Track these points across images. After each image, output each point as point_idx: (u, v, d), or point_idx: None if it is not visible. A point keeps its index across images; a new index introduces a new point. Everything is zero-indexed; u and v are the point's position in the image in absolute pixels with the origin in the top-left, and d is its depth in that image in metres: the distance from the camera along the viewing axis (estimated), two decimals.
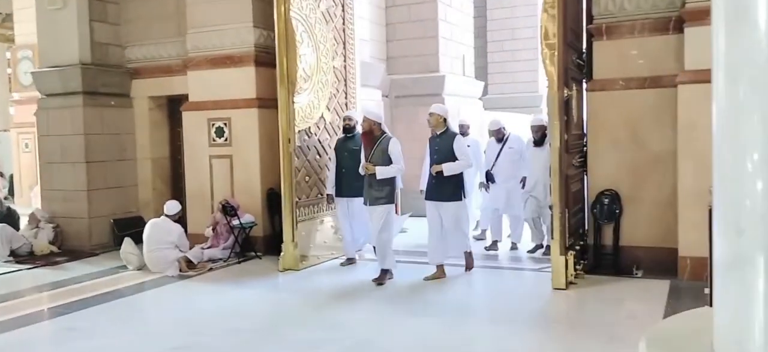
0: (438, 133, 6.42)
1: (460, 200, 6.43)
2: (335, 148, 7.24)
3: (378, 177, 6.30)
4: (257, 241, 7.90)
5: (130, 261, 7.42)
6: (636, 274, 6.37)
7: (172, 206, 7.35)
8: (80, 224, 8.64)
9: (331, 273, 6.99)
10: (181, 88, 8.70)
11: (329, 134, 7.74)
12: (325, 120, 7.65)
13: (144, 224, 8.91)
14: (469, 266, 6.76)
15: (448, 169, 6.26)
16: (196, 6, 8.19)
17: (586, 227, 6.84)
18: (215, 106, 8.17)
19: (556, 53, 5.73)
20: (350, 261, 7.24)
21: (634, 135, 6.56)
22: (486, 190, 8.08)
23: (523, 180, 7.67)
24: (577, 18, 6.61)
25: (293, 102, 6.97)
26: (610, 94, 6.64)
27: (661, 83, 6.40)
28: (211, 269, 7.25)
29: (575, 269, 6.11)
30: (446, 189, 6.35)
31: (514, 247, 7.93)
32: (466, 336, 4.85)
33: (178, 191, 9.39)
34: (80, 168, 8.59)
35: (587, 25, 6.81)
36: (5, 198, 10.48)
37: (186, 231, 7.55)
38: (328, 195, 7.34)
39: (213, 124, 8.19)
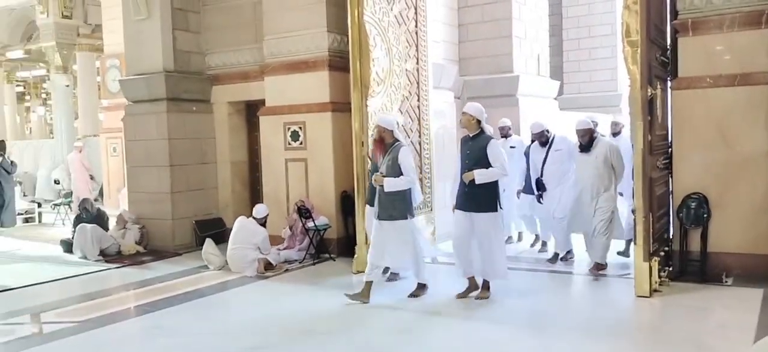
0: (471, 135, 5.86)
1: (495, 210, 5.79)
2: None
3: (386, 189, 5.78)
4: (331, 243, 8.01)
5: (212, 261, 7.68)
6: (725, 281, 6.04)
7: (261, 210, 7.56)
8: (164, 226, 9.02)
9: (404, 276, 6.98)
10: (258, 93, 8.93)
11: (400, 137, 7.72)
12: (398, 123, 7.64)
13: (224, 225, 9.29)
14: (482, 295, 5.97)
15: (481, 176, 5.67)
16: (273, 13, 8.38)
17: (671, 233, 6.54)
18: (291, 110, 8.34)
19: (638, 51, 5.50)
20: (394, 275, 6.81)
21: (722, 135, 6.22)
22: (539, 200, 7.49)
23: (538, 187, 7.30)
24: (660, 13, 6.33)
25: (366, 105, 7.02)
26: (696, 93, 6.33)
27: (752, 80, 6.06)
28: (287, 270, 7.40)
29: (659, 276, 5.85)
30: (479, 198, 5.74)
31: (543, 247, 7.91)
32: (545, 345, 4.73)
33: (255, 193, 9.66)
34: (164, 171, 8.97)
35: (671, 20, 6.51)
36: (95, 200, 11.05)
37: None
38: None
39: (288, 128, 8.36)
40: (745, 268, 6.06)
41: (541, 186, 7.43)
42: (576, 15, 17.72)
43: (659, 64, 6.25)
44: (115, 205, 12.35)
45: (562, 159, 7.29)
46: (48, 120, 27.31)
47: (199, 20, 9.45)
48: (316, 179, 8.25)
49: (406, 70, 7.70)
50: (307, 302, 6.11)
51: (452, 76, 9.77)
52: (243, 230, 7.38)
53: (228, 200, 9.63)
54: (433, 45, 8.68)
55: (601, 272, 6.64)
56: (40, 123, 27.39)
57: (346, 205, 8.02)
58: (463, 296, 5.98)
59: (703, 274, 6.22)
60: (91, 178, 13.40)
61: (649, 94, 5.70)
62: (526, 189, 7.79)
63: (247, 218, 7.57)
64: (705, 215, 6.25)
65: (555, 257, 7.37)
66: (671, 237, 6.53)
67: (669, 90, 6.50)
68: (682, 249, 6.40)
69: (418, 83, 7.90)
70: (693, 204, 6.30)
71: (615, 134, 7.73)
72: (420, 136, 7.95)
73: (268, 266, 7.35)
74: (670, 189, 6.58)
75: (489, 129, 6.31)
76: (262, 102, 8.76)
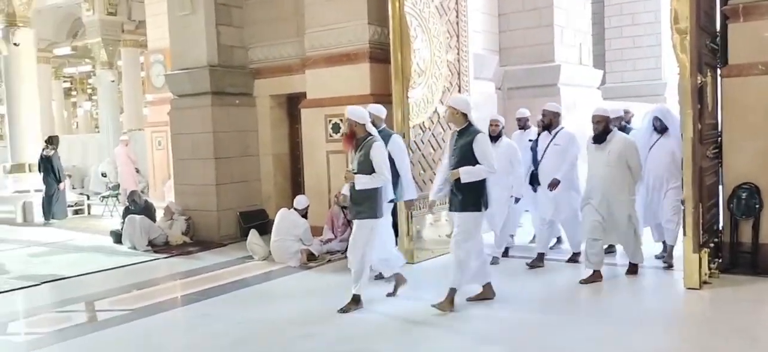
0: (458, 130, 5.38)
1: (479, 210, 5.31)
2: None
3: (357, 187, 5.35)
4: None
5: (256, 252, 7.82)
6: None
7: (302, 201, 7.66)
8: (210, 217, 9.21)
9: (447, 268, 6.98)
10: (299, 86, 9.02)
11: (443, 128, 7.73)
12: (438, 114, 7.64)
13: (266, 217, 9.43)
14: (486, 296, 5.57)
15: (467, 174, 5.21)
16: (314, 6, 8.45)
17: (721, 224, 6.39)
18: (332, 102, 8.40)
19: (687, 38, 5.37)
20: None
21: None
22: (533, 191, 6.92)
23: (554, 184, 6.54)
24: None
25: (408, 97, 7.04)
26: (747, 80, 6.14)
27: None
28: (329, 261, 7.47)
29: (709, 268, 5.73)
30: (461, 197, 5.28)
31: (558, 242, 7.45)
32: (593, 336, 4.67)
33: (297, 185, 9.78)
34: (209, 164, 9.15)
35: (721, 6, 6.33)
36: (142, 191, 11.36)
37: None
38: None
39: (330, 121, 8.43)
40: None
41: (533, 180, 6.85)
42: (619, 2, 17.39)
43: (709, 51, 6.10)
44: (161, 197, 12.65)
45: (560, 155, 6.64)
46: (93, 115, 28.09)
47: (241, 15, 9.58)
48: None
49: (447, 60, 7.69)
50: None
51: (493, 66, 9.72)
52: (285, 222, 7.49)
53: (270, 191, 9.78)
54: (474, 35, 8.63)
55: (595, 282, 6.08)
56: (86, 118, 28.21)
57: None
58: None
59: (754, 266, 6.05)
60: (137, 171, 13.76)
61: (699, 82, 5.57)
62: (530, 182, 7.10)
63: (289, 209, 7.67)
64: (757, 206, 6.08)
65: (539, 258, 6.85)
66: (721, 228, 6.37)
67: (719, 78, 6.33)
68: (733, 241, 6.24)
69: (458, 74, 7.88)
70: (744, 194, 6.12)
71: (622, 128, 6.83)
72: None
73: (311, 256, 7.44)
74: (721, 179, 6.42)
75: (502, 121, 6.47)
76: (304, 95, 8.84)
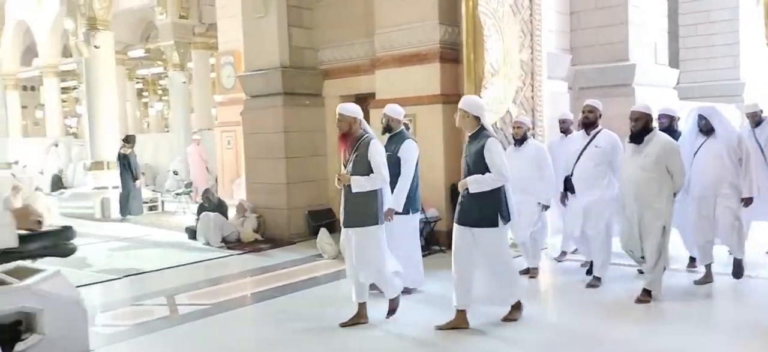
0: (469, 135, 4.92)
1: (495, 225, 4.79)
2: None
3: (353, 190, 4.94)
4: (441, 235, 8.01)
5: (326, 251, 7.90)
6: None
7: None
8: (280, 215, 9.39)
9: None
10: (367, 87, 9.07)
11: None
12: (511, 114, 7.55)
13: (334, 216, 9.51)
14: (511, 317, 5.05)
15: (475, 184, 4.77)
16: (384, 7, 8.48)
17: None
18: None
19: None
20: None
21: None
22: (562, 202, 6.29)
23: (566, 187, 6.02)
24: None
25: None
26: None
27: None
28: None
29: None
30: (474, 210, 4.81)
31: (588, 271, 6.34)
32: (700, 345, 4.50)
33: None
34: (281, 163, 9.34)
35: None
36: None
37: None
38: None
39: None
40: None
41: (568, 186, 6.12)
42: None
43: None
44: (229, 195, 12.96)
45: (600, 159, 5.91)
46: (164, 115, 29.08)
47: (312, 16, 9.73)
48: (426, 171, 8.17)
49: (521, 60, 7.58)
50: (421, 294, 6.12)
51: (566, 65, 9.51)
52: None
53: (338, 190, 9.84)
54: (546, 34, 8.48)
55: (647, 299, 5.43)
56: (157, 118, 29.21)
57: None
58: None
59: None
60: (207, 169, 14.15)
61: None
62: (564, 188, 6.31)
63: None
64: None
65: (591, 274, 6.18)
66: None
67: None
68: None
69: (532, 74, 7.76)
70: None
71: (668, 129, 6.19)
72: (533, 128, 7.79)
73: None
74: None
75: (527, 122, 6.06)
76: (372, 95, 8.88)
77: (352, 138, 5.03)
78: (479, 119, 4.85)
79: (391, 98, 8.51)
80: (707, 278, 5.95)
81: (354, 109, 5.08)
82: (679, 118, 6.76)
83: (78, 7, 13.51)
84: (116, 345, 4.97)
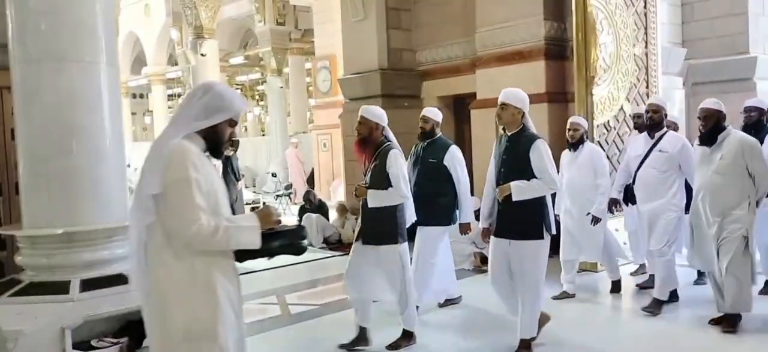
0: (509, 134, 4.38)
1: (541, 237, 4.26)
2: None
3: (370, 205, 4.45)
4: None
5: None
6: None
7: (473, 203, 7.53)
8: None
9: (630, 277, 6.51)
10: (466, 87, 8.93)
11: (628, 127, 7.25)
12: (624, 112, 7.19)
13: None
14: (524, 347, 4.42)
15: (520, 191, 4.17)
16: (486, 4, 8.32)
17: None
18: None
19: None
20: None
21: None
22: (616, 208, 5.75)
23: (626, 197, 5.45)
24: None
25: (591, 94, 6.68)
26: None
27: None
28: None
29: None
30: (518, 221, 4.23)
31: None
32: None
33: None
34: None
35: None
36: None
37: None
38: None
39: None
40: None
41: (628, 195, 5.54)
42: None
43: None
44: (326, 196, 13.15)
45: (666, 165, 5.21)
46: (262, 119, 30.06)
47: (410, 18, 9.71)
48: None
49: (634, 54, 7.21)
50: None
51: (680, 60, 8.98)
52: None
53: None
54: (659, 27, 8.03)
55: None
56: (254, 122, 30.23)
57: None
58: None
59: None
60: (304, 172, 14.46)
61: None
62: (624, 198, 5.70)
63: None
64: None
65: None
66: None
67: None
68: None
69: (646, 69, 7.36)
70: None
71: (757, 125, 5.43)
72: None
73: (484, 259, 7.28)
74: None
75: (584, 125, 5.56)
76: (472, 95, 8.74)
77: (372, 146, 4.56)
78: (524, 115, 4.36)
79: (492, 98, 8.32)
80: None
81: (378, 114, 4.60)
82: None
83: (185, 17, 14.18)
84: None
